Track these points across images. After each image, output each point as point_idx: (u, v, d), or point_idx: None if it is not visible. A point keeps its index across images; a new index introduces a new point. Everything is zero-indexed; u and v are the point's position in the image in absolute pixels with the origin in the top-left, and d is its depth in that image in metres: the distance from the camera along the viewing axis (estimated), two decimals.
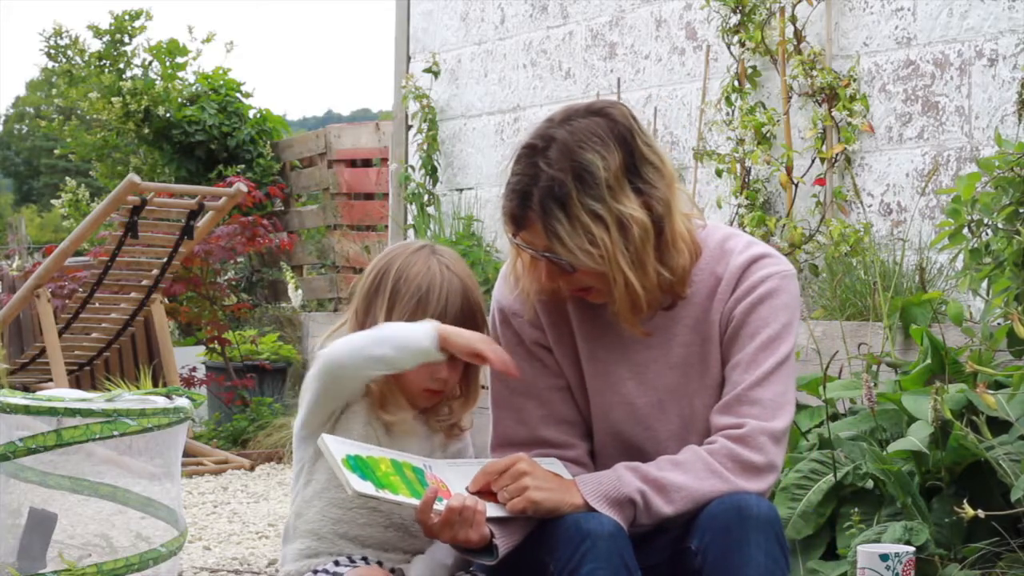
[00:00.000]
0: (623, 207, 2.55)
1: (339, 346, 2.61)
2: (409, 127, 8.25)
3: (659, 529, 2.70)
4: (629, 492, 2.57)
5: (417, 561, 2.66)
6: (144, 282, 7.42)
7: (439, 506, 2.50)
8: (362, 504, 2.65)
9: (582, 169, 2.54)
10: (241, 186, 7.27)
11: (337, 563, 2.63)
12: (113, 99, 10.91)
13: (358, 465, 2.50)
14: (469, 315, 2.70)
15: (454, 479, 2.60)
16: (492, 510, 2.55)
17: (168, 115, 10.85)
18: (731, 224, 6.00)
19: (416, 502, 2.50)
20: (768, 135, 6.02)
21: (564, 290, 2.68)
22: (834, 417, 4.12)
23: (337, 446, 2.52)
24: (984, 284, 3.95)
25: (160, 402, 3.29)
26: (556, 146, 2.56)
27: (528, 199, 2.56)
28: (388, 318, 2.67)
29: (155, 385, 5.40)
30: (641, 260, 2.57)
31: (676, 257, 2.61)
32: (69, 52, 14.46)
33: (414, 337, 2.57)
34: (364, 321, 2.72)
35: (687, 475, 2.58)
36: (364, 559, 2.65)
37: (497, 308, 2.79)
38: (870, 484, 3.74)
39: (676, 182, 2.65)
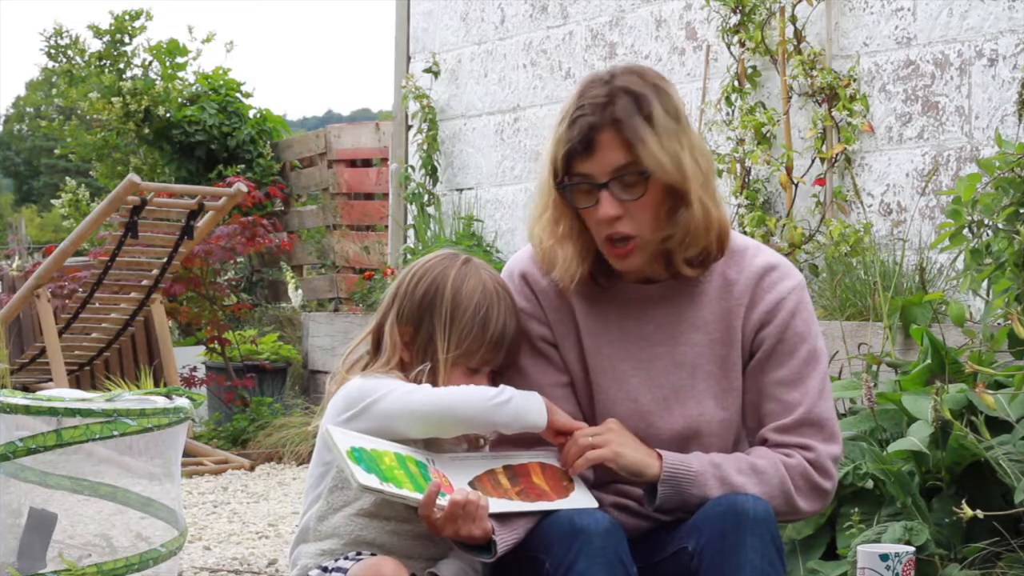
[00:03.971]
0: (692, 139, 2.61)
1: (460, 402, 2.59)
2: (409, 127, 8.26)
3: (656, 529, 2.71)
4: (700, 492, 2.62)
5: (447, 562, 2.66)
6: (144, 282, 7.42)
7: (442, 501, 2.51)
8: (391, 515, 2.65)
9: (660, 90, 2.60)
10: (241, 186, 7.27)
11: (346, 557, 2.63)
12: (113, 99, 10.90)
13: (363, 457, 2.51)
14: (520, 327, 2.73)
15: (457, 474, 2.60)
16: (494, 506, 2.55)
17: (168, 115, 10.85)
18: (731, 224, 6.00)
19: (419, 496, 2.50)
20: (768, 135, 6.02)
21: (589, 265, 2.67)
22: None
23: (342, 438, 2.52)
24: (985, 285, 3.95)
25: (160, 402, 3.29)
26: (626, 72, 2.61)
27: (610, 106, 2.56)
28: (447, 337, 2.66)
29: (156, 385, 5.40)
30: (710, 188, 2.62)
31: (722, 209, 2.67)
32: (69, 52, 14.47)
33: (531, 414, 2.60)
34: (414, 337, 2.70)
35: (760, 488, 2.63)
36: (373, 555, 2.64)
37: None
38: (870, 484, 3.74)
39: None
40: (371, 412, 2.59)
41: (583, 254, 2.68)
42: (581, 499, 2.63)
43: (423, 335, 2.69)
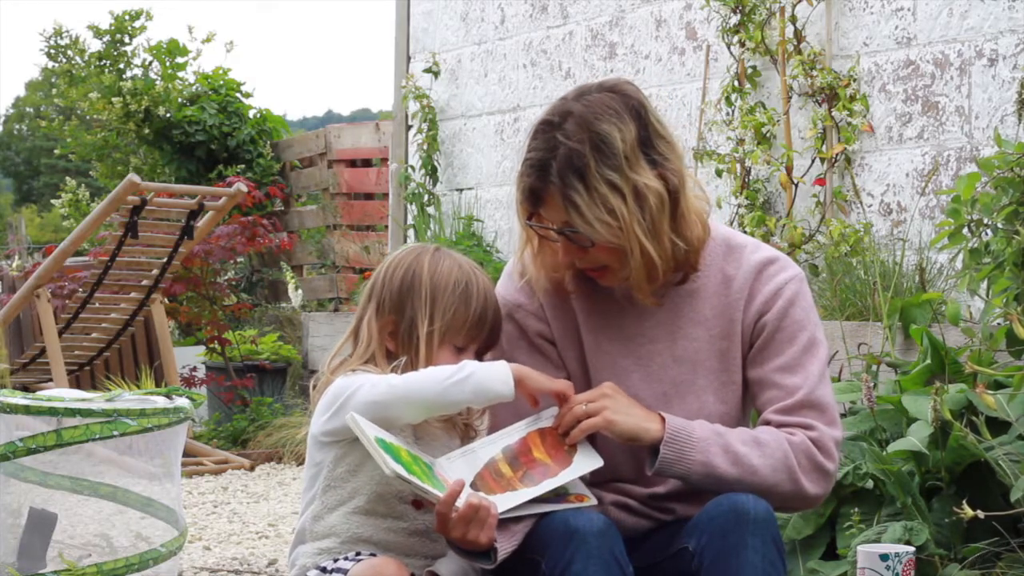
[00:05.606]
0: (639, 177, 2.58)
1: (418, 384, 2.58)
2: (409, 127, 8.26)
3: (656, 529, 2.70)
4: (703, 459, 2.60)
5: (445, 561, 2.66)
6: (144, 282, 7.42)
7: (458, 501, 2.50)
8: (387, 513, 2.65)
9: (599, 140, 2.58)
10: (241, 186, 7.27)
11: (346, 558, 2.63)
12: (113, 99, 10.90)
13: (387, 448, 2.51)
14: (499, 307, 2.74)
15: (458, 476, 2.59)
16: (500, 504, 2.54)
17: (168, 115, 10.85)
18: (731, 224, 6.00)
19: (440, 494, 2.50)
20: (768, 135, 6.02)
21: (575, 272, 2.70)
22: None
23: (367, 426, 2.53)
24: (984, 284, 3.95)
25: (160, 402, 3.29)
26: (573, 119, 2.60)
27: (547, 171, 2.58)
28: (428, 315, 2.68)
29: (156, 385, 5.40)
30: (657, 230, 2.60)
31: (689, 229, 2.65)
32: (69, 52, 14.47)
33: (493, 383, 2.57)
34: (398, 325, 2.71)
35: (764, 460, 2.62)
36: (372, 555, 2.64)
37: (500, 303, 2.79)
38: (870, 484, 3.74)
39: (684, 159, 2.69)
40: (347, 408, 2.60)
41: (560, 276, 2.72)
42: (585, 461, 2.61)
43: (406, 320, 2.71)
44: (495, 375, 2.58)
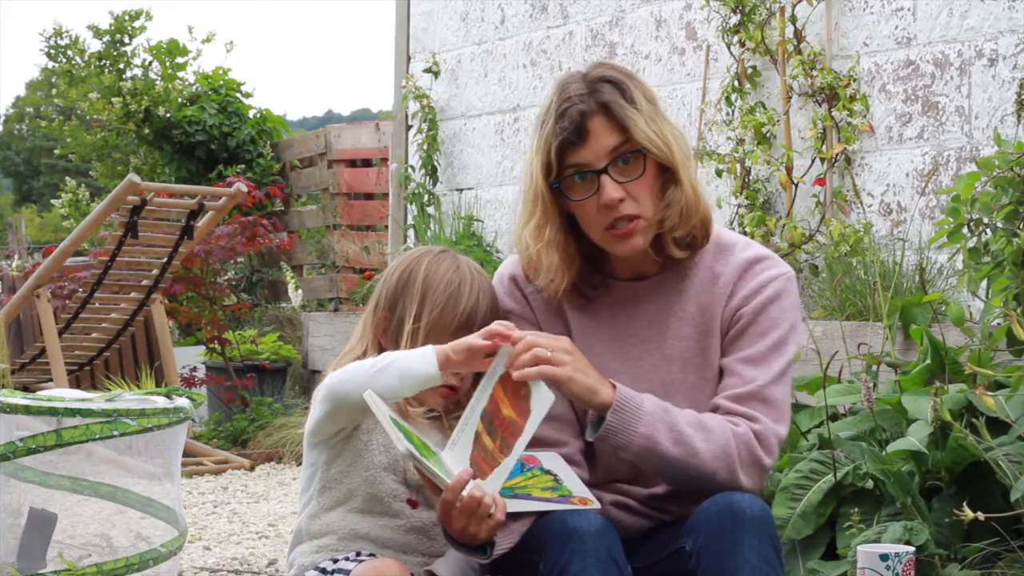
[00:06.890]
0: (670, 123, 2.67)
1: (345, 376, 2.59)
2: (409, 127, 8.26)
3: (654, 528, 2.70)
4: (647, 432, 2.57)
5: (444, 561, 2.66)
6: (144, 282, 7.42)
7: (463, 491, 2.50)
8: (382, 511, 2.66)
9: (634, 78, 2.67)
10: (241, 186, 7.27)
11: (347, 558, 2.63)
12: (113, 99, 10.90)
13: (400, 428, 2.51)
14: (497, 312, 2.73)
15: (457, 466, 2.59)
16: (489, 485, 2.53)
17: (168, 115, 10.85)
18: (731, 224, 6.01)
19: (448, 480, 2.50)
20: (768, 135, 6.02)
21: (570, 282, 2.69)
22: (834, 417, 4.12)
23: (383, 404, 2.52)
24: (983, 284, 3.94)
25: (160, 402, 3.29)
26: (598, 66, 2.68)
27: (596, 92, 2.62)
28: (416, 312, 2.68)
29: (156, 385, 5.40)
30: (690, 167, 2.67)
31: (705, 193, 2.71)
32: (69, 52, 14.46)
33: (415, 364, 2.55)
34: (390, 321, 2.73)
35: (706, 445, 2.59)
36: (372, 555, 2.65)
37: None
38: (870, 484, 3.73)
39: None
40: (315, 401, 2.64)
41: (569, 260, 2.70)
42: (540, 404, 2.56)
43: (396, 317, 2.72)
44: (416, 357, 2.56)
